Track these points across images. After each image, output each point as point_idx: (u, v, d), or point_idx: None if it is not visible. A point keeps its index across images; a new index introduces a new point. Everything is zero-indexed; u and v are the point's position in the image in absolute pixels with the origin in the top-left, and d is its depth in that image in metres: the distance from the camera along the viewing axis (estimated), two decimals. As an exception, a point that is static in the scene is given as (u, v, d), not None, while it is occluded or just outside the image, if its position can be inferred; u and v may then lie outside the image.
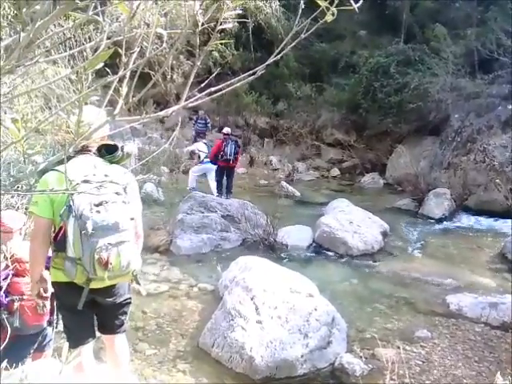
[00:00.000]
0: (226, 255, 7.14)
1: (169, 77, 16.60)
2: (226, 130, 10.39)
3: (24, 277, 2.97)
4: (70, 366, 1.08)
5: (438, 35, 14.55)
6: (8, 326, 2.82)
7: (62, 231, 2.39)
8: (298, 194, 12.31)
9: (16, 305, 2.94)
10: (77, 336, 2.55)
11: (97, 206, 2.33)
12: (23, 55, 0.69)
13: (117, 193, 2.42)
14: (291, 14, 18.78)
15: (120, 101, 0.95)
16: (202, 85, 1.05)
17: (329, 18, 0.96)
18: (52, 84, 7.78)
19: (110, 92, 0.97)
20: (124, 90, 0.94)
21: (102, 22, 0.87)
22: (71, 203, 2.32)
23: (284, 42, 0.97)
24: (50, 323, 3.13)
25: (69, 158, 2.39)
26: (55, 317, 3.14)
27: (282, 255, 7.39)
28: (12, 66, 0.67)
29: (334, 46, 18.26)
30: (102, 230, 2.32)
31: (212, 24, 1.02)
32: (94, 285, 2.42)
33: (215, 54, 16.90)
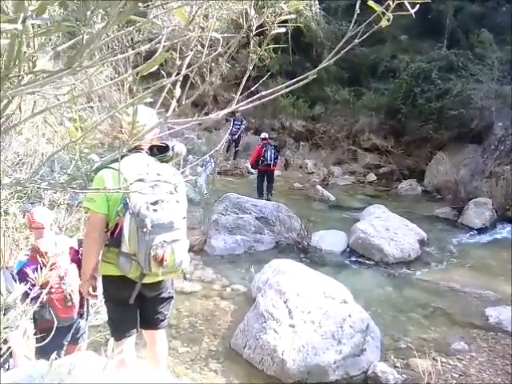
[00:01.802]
0: (259, 257, 7.14)
1: (207, 79, 16.78)
2: (264, 134, 10.56)
3: (51, 270, 3.05)
4: (113, 362, 1.11)
5: (484, 41, 14.14)
6: (49, 317, 2.91)
7: (118, 227, 2.47)
8: (332, 198, 12.20)
9: (44, 298, 3.02)
10: (121, 328, 2.64)
11: (153, 204, 2.41)
12: (86, 57, 0.72)
13: (170, 192, 2.48)
14: (331, 18, 18.67)
15: (173, 103, 0.96)
16: (253, 88, 1.06)
17: (384, 23, 0.95)
18: (95, 83, 8.00)
19: (164, 94, 0.99)
20: (177, 92, 0.96)
21: (161, 26, 0.89)
22: (127, 201, 2.39)
23: (338, 46, 0.97)
24: (81, 315, 3.20)
25: (121, 157, 2.46)
26: (85, 309, 3.21)
27: (316, 259, 7.34)
28: (78, 66, 0.70)
29: (374, 50, 18.00)
30: (159, 228, 2.39)
31: (255, 27, 1.02)
32: (146, 280, 2.49)
33: (254, 56, 16.96)
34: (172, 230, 2.45)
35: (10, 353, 2.01)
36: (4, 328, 1.18)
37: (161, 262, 2.39)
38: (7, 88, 0.70)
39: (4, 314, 1.23)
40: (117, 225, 2.47)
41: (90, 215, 2.59)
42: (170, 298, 2.80)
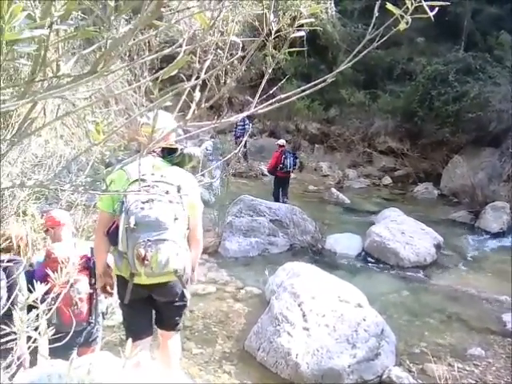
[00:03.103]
0: (273, 260, 7.13)
1: (222, 81, 16.83)
2: (282, 141, 10.58)
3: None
4: (130, 362, 1.12)
5: (502, 43, 13.97)
6: (57, 322, 2.91)
7: (114, 225, 2.50)
8: (347, 201, 12.15)
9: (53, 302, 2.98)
10: (133, 329, 2.65)
11: (143, 203, 2.42)
12: (113, 61, 0.73)
13: (166, 192, 2.48)
14: (347, 20, 18.61)
15: (192, 106, 0.97)
16: (271, 92, 1.06)
17: (402, 26, 0.95)
18: (111, 86, 8.07)
19: (183, 97, 1.00)
20: (197, 95, 0.97)
21: (183, 30, 0.90)
22: (124, 199, 2.43)
23: (357, 50, 0.97)
24: (89, 323, 3.14)
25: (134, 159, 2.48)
26: (94, 317, 3.19)
27: (330, 263, 7.30)
28: (105, 70, 0.71)
29: (390, 52, 17.89)
30: (144, 226, 2.39)
31: (274, 32, 1.03)
32: (137, 280, 2.49)
33: (269, 59, 16.97)
34: (159, 229, 2.41)
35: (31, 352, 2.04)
36: (26, 327, 1.21)
37: (142, 261, 2.37)
38: (33, 92, 0.72)
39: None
40: (113, 222, 2.52)
41: (99, 213, 2.70)
42: (182, 305, 2.76)
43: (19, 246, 3.05)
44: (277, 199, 10.18)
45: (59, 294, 2.91)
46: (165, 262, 2.42)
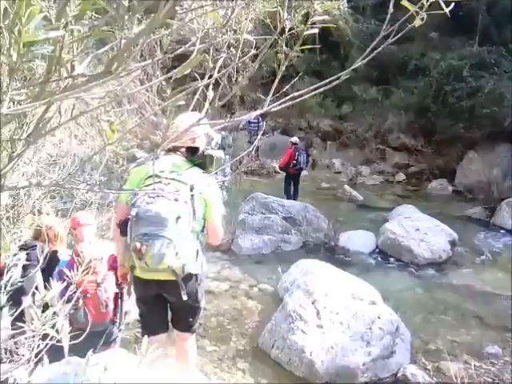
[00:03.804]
0: (286, 257, 7.12)
1: (234, 79, 16.81)
2: (295, 139, 10.65)
3: (87, 273, 3.05)
4: (146, 360, 1.13)
5: (518, 36, 13.73)
6: (83, 320, 2.96)
7: (125, 217, 2.54)
8: (360, 198, 12.08)
9: (80, 302, 3.05)
10: (149, 326, 2.68)
11: (149, 197, 2.46)
12: (125, 62, 0.73)
13: (176, 190, 2.49)
14: (359, 16, 18.45)
15: (206, 105, 0.97)
16: (284, 89, 1.06)
17: (418, 22, 0.93)
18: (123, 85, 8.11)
19: (197, 96, 1.00)
20: (210, 94, 0.97)
21: (196, 29, 0.90)
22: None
23: (371, 47, 0.96)
24: (113, 322, 3.21)
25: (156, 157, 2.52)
26: (118, 317, 3.24)
27: (344, 260, 7.28)
28: (120, 71, 0.71)
29: (403, 48, 17.65)
30: (145, 220, 2.41)
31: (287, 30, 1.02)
32: (135, 273, 2.54)
33: (280, 56, 16.92)
34: (160, 225, 2.41)
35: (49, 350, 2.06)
36: (42, 325, 1.22)
37: (137, 254, 2.39)
38: (48, 93, 0.73)
39: (42, 312, 1.27)
40: (125, 215, 2.55)
41: (117, 206, 2.80)
42: (194, 307, 2.74)
43: (48, 234, 3.16)
44: (288, 196, 10.21)
45: (84, 293, 2.97)
46: (158, 258, 2.40)
